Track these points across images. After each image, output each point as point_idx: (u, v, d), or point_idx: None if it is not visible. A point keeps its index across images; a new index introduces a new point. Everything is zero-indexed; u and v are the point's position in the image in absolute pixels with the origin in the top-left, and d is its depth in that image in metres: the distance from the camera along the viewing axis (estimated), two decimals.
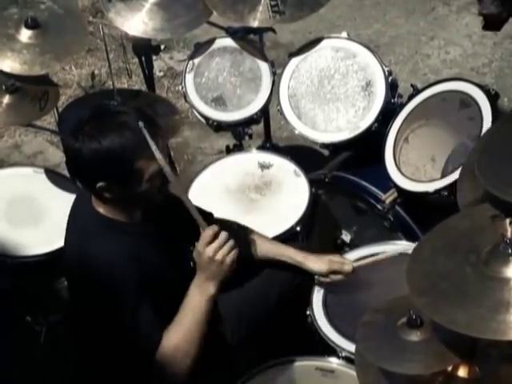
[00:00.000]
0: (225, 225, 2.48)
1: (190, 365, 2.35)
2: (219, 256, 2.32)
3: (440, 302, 1.83)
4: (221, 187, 3.24)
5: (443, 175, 2.93)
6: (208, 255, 2.32)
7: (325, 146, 3.44)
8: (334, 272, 2.76)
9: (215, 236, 2.32)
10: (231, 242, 2.34)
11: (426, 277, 1.89)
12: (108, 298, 2.34)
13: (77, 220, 2.52)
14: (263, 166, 3.29)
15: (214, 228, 2.33)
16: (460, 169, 2.26)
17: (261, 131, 3.82)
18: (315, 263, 2.76)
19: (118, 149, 2.29)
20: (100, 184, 2.34)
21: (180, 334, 2.35)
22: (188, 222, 2.39)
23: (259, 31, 3.53)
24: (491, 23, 3.46)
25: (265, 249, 2.81)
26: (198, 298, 2.36)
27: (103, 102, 2.43)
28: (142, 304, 2.33)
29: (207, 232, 2.33)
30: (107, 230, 2.41)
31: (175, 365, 2.35)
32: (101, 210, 2.43)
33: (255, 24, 3.35)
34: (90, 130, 2.30)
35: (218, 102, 3.50)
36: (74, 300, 2.54)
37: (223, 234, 2.33)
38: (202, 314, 2.36)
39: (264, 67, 3.51)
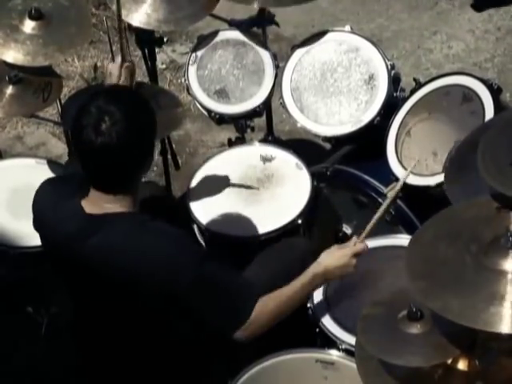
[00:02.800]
0: None
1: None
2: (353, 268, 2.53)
3: (435, 288, 1.84)
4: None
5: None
6: (352, 263, 2.52)
7: (327, 139, 3.45)
8: (131, 74, 2.73)
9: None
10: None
11: (425, 261, 1.90)
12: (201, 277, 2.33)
13: (78, 228, 2.36)
14: (265, 159, 3.28)
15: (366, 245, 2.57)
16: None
17: (263, 124, 3.82)
18: (112, 76, 2.71)
19: (145, 104, 2.35)
20: (149, 157, 2.37)
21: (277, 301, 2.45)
22: None
23: (262, 24, 3.53)
24: None
25: None
26: (315, 282, 2.52)
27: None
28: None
29: (363, 246, 2.55)
30: (138, 225, 2.34)
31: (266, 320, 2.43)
32: (109, 205, 2.33)
33: (256, 5, 3.35)
34: (110, 115, 2.24)
35: (221, 94, 3.50)
36: (121, 301, 2.41)
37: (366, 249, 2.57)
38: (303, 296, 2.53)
39: (267, 60, 3.51)
